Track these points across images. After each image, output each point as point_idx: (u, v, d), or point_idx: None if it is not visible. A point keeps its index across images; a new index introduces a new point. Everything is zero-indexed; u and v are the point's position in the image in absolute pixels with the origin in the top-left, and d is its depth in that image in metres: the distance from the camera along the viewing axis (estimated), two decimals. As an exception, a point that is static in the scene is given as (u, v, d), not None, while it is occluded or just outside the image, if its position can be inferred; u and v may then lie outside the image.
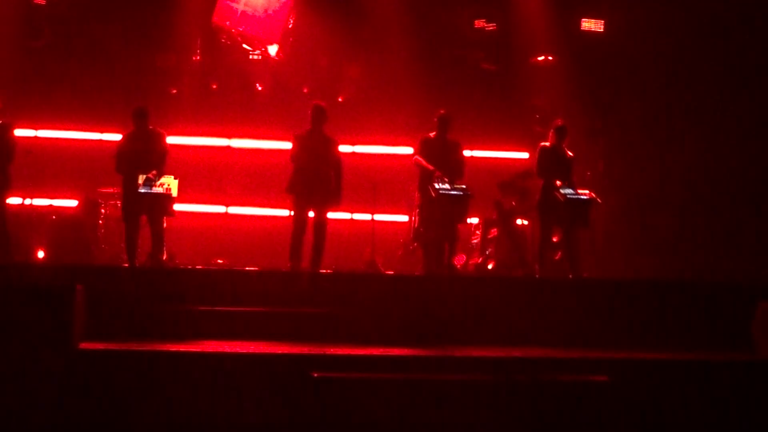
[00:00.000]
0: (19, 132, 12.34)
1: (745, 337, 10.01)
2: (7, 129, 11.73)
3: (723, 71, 14.96)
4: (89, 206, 14.42)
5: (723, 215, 14.65)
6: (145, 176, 11.81)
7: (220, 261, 15.05)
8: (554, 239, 12.92)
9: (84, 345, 8.19)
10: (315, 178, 11.93)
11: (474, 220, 14.52)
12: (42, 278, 10.18)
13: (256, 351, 8.65)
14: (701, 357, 9.51)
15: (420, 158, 12.24)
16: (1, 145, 11.59)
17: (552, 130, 12.38)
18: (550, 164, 12.22)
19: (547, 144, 12.33)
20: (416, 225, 13.06)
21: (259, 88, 16.98)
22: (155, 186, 11.84)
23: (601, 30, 16.34)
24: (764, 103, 14.66)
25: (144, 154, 11.97)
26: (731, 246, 14.19)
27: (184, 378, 8.01)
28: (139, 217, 12.00)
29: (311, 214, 11.99)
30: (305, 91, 16.90)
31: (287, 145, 12.61)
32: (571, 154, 12.42)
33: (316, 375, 8.08)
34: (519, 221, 14.60)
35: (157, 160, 12.06)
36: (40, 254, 13.72)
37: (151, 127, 12.23)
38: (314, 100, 12.73)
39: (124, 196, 12.06)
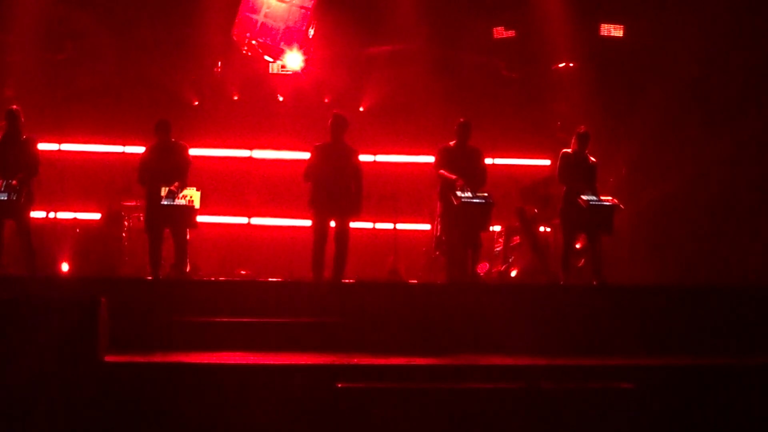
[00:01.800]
0: (42, 146, 12.41)
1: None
2: (31, 143, 11.82)
3: (743, 75, 14.87)
4: (113, 219, 14.47)
5: (747, 219, 14.56)
6: (167, 188, 11.86)
7: (243, 272, 15.09)
8: (577, 246, 12.85)
9: (109, 357, 8.22)
10: (335, 189, 11.90)
11: (497, 228, 14.50)
12: (67, 291, 10.23)
13: (281, 362, 8.64)
14: (728, 362, 9.44)
15: (443, 170, 12.18)
16: (25, 160, 11.65)
17: (574, 137, 12.32)
18: (572, 170, 12.17)
19: (569, 150, 12.26)
20: (438, 233, 13.03)
21: (281, 99, 17.04)
22: (178, 198, 11.89)
23: (621, 35, 16.30)
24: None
25: (167, 166, 12.01)
26: (757, 249, 14.08)
27: (209, 390, 8.03)
28: (162, 229, 12.03)
29: (333, 224, 11.98)
30: (326, 101, 16.95)
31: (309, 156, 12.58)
32: (593, 160, 12.35)
33: (340, 385, 8.08)
34: (542, 228, 14.59)
35: (180, 172, 12.10)
36: (65, 267, 13.80)
37: (173, 139, 12.28)
38: (334, 110, 12.72)
39: (147, 208, 12.10)
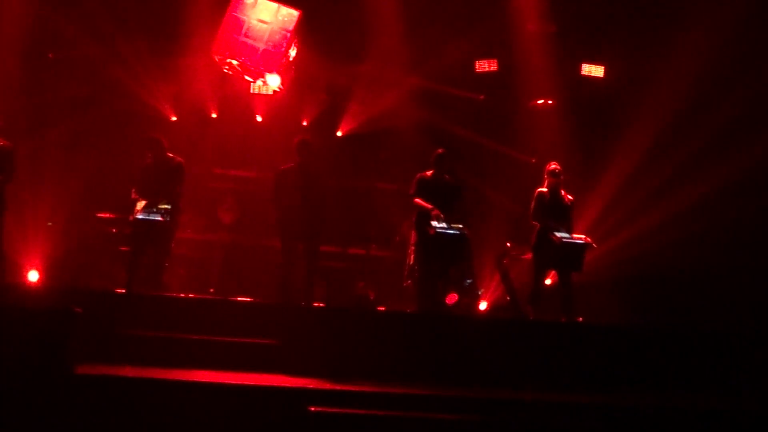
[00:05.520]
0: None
1: (743, 385, 10.08)
2: (9, 150, 11.75)
3: (722, 118, 15.04)
4: (86, 230, 14.39)
5: (717, 264, 14.70)
6: (144, 202, 11.85)
7: (211, 290, 15.02)
8: (547, 282, 12.92)
9: (80, 369, 8.16)
10: (301, 212, 11.94)
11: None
12: (37, 300, 10.14)
13: (253, 383, 8.62)
14: (695, 404, 9.54)
15: (419, 199, 12.21)
16: (2, 166, 11.59)
17: (546, 174, 12.42)
18: (545, 209, 12.26)
19: (544, 189, 12.34)
20: (411, 262, 13.06)
21: (259, 119, 17.05)
22: (153, 213, 11.86)
23: (601, 76, 16.47)
24: (764, 153, 14.76)
25: (159, 182, 12.03)
26: (723, 294, 14.21)
27: (181, 407, 8.01)
28: (143, 243, 11.98)
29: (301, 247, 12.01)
30: (304, 124, 16.99)
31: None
32: (570, 197, 12.44)
33: (313, 409, 8.08)
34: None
35: (170, 189, 12.11)
36: (35, 276, 13.68)
37: (170, 155, 12.31)
38: (300, 135, 12.75)
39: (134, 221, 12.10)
